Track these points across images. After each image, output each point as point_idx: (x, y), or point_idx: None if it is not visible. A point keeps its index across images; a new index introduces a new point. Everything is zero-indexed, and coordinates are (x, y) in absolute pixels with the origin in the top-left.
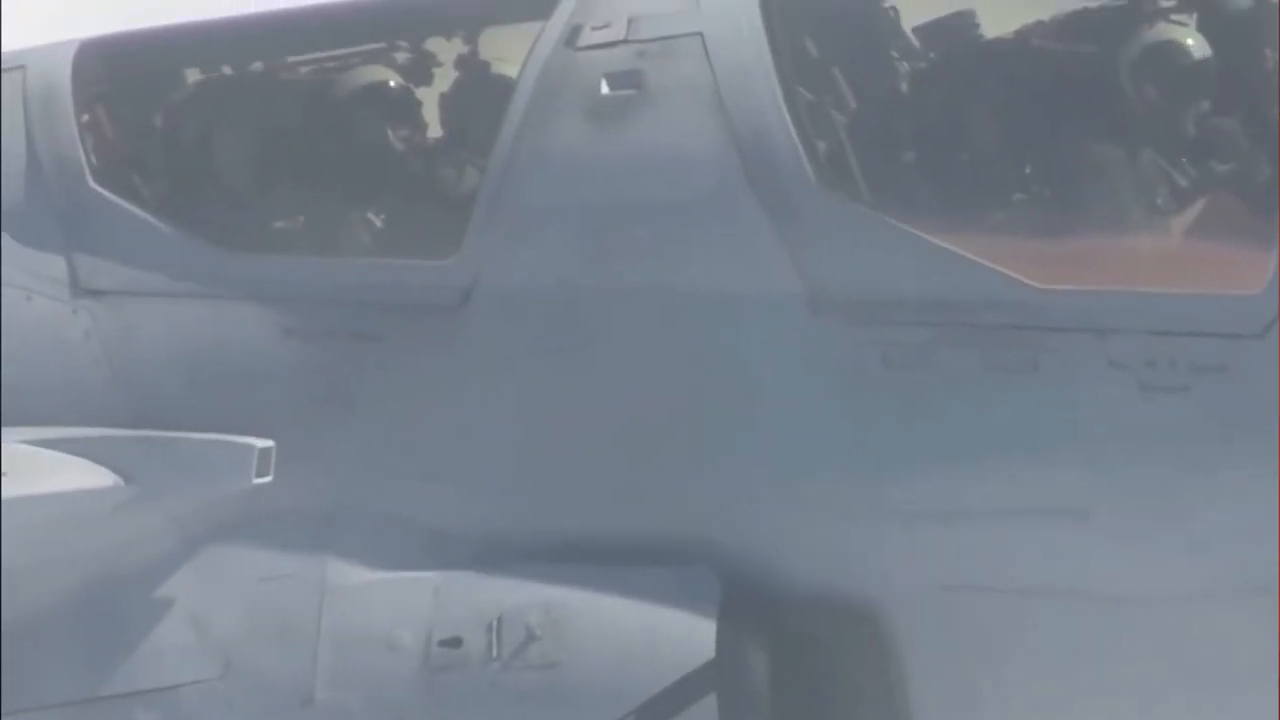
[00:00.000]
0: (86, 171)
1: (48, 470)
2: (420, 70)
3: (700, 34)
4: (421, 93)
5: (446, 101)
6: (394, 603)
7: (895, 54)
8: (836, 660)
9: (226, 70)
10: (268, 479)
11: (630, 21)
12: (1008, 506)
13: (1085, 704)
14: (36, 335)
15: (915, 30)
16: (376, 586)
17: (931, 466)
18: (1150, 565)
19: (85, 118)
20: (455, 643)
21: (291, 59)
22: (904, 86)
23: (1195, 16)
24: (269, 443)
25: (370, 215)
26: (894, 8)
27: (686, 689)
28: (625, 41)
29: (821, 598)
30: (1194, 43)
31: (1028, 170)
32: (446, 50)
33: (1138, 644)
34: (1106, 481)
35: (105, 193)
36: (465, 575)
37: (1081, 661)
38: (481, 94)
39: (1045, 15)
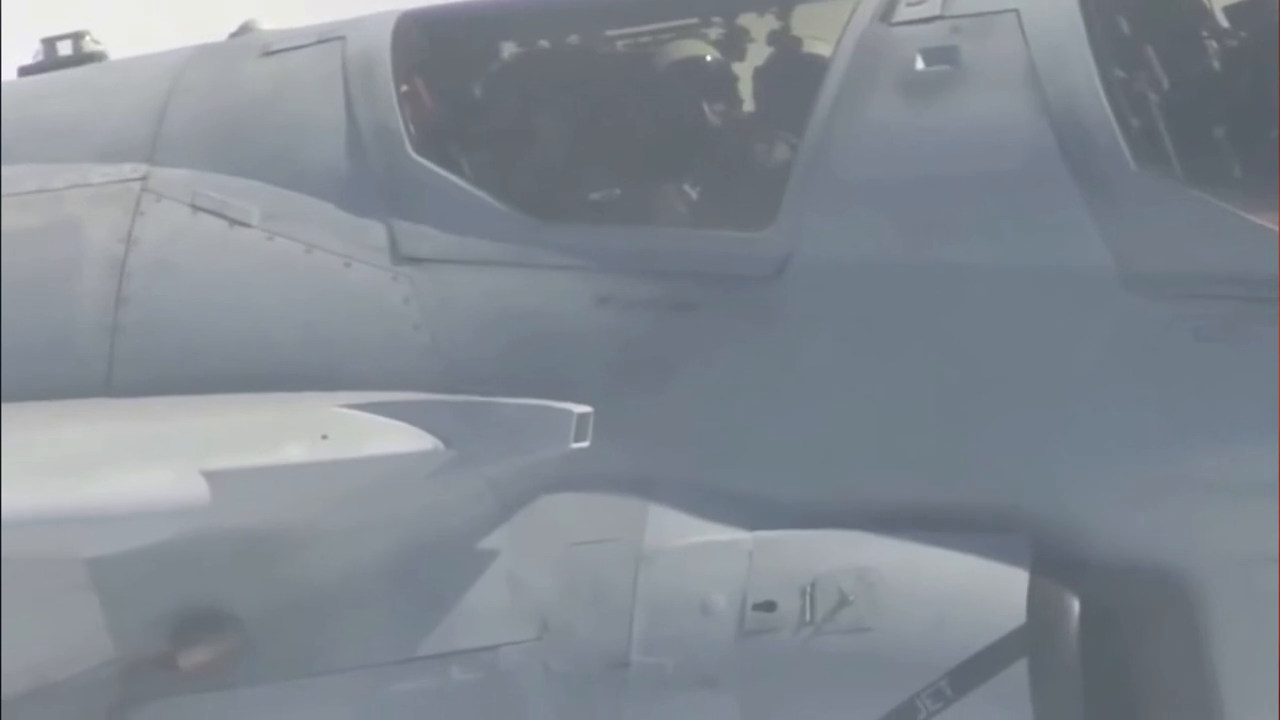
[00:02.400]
0: (406, 141)
1: (369, 434)
2: (734, 45)
3: (1016, 10)
4: (736, 67)
5: (760, 76)
6: (708, 567)
7: (1206, 33)
8: (1144, 631)
9: (544, 43)
10: (585, 444)
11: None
12: None
13: None
14: (356, 301)
15: (1225, 9)
16: (691, 551)
17: (1241, 439)
18: None
19: (404, 88)
20: (769, 606)
21: (609, 33)
22: (1215, 65)
23: None
24: (587, 409)
25: (686, 187)
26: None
27: (997, 654)
28: (940, 17)
29: (1130, 569)
30: None
31: None
32: (759, 26)
33: None
34: None
35: (425, 162)
36: (779, 539)
37: None
38: (794, 69)
39: None
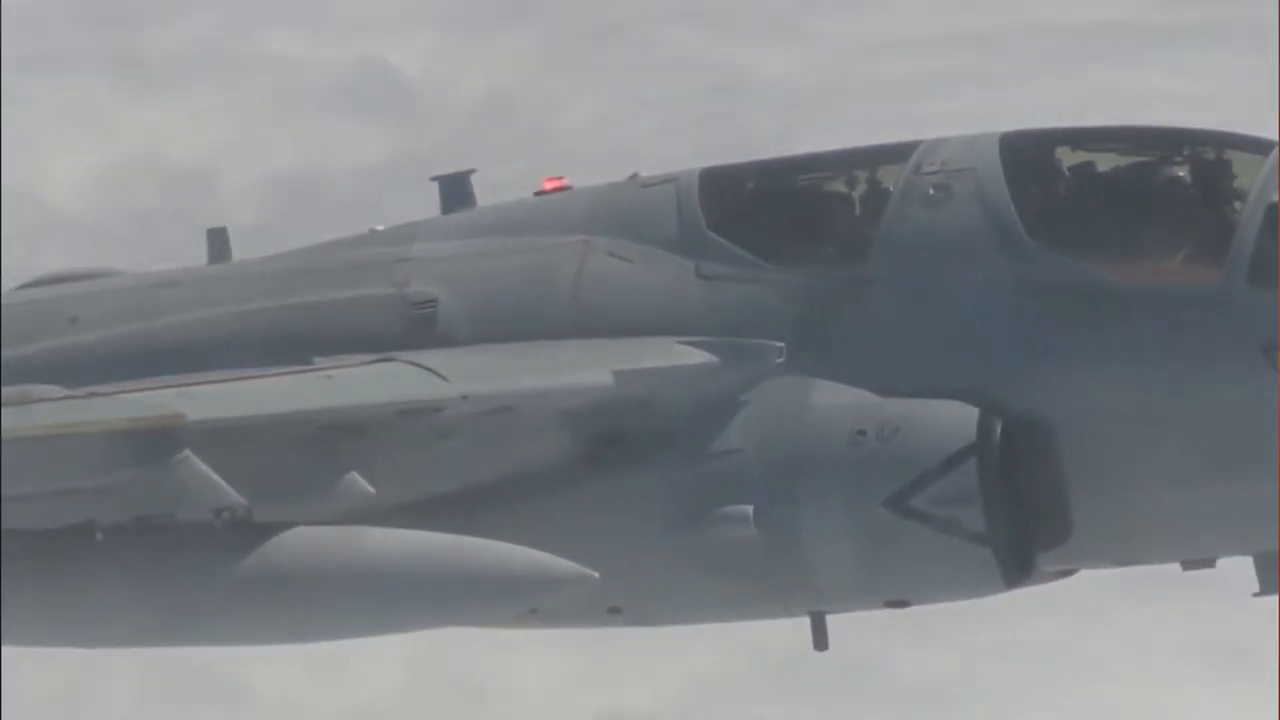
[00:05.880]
0: (703, 223)
1: (684, 354)
2: (853, 184)
3: (975, 168)
4: (852, 194)
5: (864, 197)
6: (837, 415)
7: (1059, 179)
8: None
9: (772, 180)
10: (781, 360)
11: (944, 162)
12: None
13: None
14: (675, 297)
15: (1068, 167)
16: (830, 407)
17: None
18: None
19: (706, 199)
20: (863, 433)
21: (802, 176)
22: (1064, 191)
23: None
24: (781, 343)
25: (829, 246)
26: (1059, 158)
27: (961, 454)
28: (941, 171)
29: (1028, 420)
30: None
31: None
32: (863, 177)
33: None
34: None
35: (711, 233)
36: (869, 401)
37: None
38: (878, 195)
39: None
